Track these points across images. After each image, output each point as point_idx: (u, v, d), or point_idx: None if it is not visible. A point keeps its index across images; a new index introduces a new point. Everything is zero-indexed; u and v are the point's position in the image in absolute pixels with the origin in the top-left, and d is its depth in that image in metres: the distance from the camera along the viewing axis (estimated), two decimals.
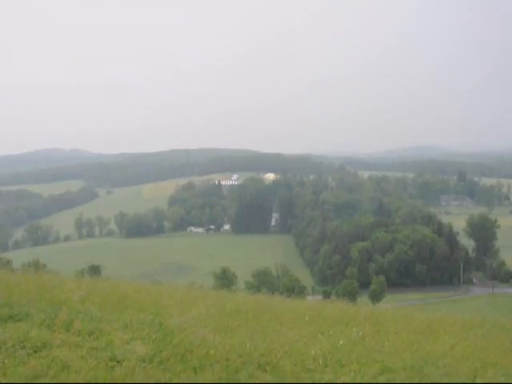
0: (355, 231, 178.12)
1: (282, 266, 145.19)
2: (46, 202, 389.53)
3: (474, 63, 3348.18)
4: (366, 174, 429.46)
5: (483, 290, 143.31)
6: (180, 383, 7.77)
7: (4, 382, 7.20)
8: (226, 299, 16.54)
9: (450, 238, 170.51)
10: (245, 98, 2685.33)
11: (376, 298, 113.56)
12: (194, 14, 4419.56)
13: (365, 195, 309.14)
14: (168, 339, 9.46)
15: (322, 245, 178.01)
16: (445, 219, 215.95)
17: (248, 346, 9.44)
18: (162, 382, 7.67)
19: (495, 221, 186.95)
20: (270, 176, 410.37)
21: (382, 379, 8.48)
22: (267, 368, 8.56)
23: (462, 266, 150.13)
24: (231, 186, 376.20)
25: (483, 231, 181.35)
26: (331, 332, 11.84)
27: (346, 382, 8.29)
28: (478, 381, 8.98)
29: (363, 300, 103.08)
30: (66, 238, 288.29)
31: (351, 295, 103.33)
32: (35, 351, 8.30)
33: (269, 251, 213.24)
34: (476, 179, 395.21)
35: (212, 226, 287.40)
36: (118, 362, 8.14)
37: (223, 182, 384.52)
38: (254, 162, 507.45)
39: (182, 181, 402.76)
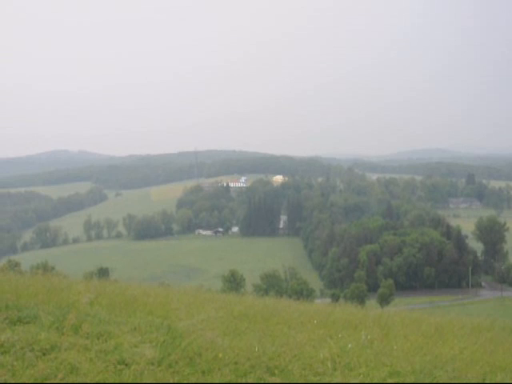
0: (364, 234, 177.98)
1: (290, 269, 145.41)
2: (55, 204, 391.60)
3: (483, 65, 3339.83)
4: (374, 177, 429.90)
5: (492, 293, 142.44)
6: None
7: None
8: (235, 302, 16.50)
9: (459, 241, 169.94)
10: (253, 100, 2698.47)
11: (384, 301, 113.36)
12: (210, 14, 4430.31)
13: (373, 198, 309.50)
14: (176, 342, 9.44)
15: (331, 247, 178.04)
16: (453, 222, 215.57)
17: (256, 349, 9.42)
18: None
19: (504, 224, 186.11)
20: (279, 178, 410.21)
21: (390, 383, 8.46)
22: (276, 371, 8.54)
23: (470, 269, 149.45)
24: (239, 188, 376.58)
25: (492, 234, 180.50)
26: (340, 335, 11.79)
27: None
28: None
29: (372, 303, 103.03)
30: (75, 240, 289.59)
31: (360, 298, 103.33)
32: (44, 354, 8.29)
33: (277, 254, 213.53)
34: (485, 182, 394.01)
35: (220, 229, 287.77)
36: (127, 364, 8.13)
37: (231, 185, 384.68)
38: (262, 164, 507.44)
39: (191, 183, 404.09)
